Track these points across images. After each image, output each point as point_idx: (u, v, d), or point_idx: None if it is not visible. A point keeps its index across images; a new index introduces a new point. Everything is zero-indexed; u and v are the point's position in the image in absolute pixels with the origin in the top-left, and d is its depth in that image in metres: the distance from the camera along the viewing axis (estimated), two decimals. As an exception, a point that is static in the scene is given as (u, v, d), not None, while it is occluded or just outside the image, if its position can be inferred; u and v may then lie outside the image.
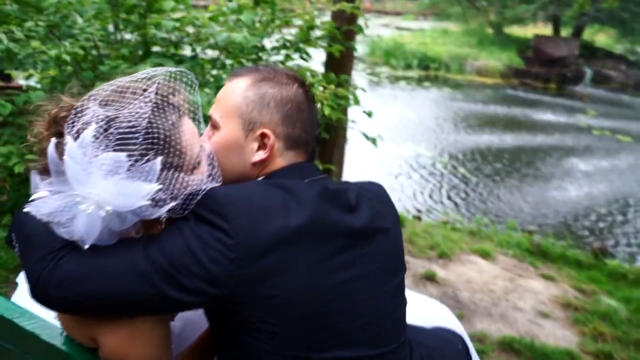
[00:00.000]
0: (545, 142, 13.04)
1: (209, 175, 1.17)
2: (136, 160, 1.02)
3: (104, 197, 0.99)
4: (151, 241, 1.09)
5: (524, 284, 4.56)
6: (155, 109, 1.08)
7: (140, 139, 1.03)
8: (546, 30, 27.80)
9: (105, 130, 1.03)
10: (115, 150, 1.02)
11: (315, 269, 1.13)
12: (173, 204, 1.07)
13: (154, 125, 1.06)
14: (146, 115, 1.05)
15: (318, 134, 1.36)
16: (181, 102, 1.15)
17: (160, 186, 1.03)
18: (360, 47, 26.31)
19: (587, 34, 27.01)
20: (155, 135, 1.06)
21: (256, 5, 4.17)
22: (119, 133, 1.03)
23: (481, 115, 15.75)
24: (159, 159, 1.04)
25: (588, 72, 21.09)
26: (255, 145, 1.27)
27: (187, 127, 1.15)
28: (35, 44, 3.07)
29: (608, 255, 5.89)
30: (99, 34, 3.90)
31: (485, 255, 5.25)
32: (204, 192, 1.14)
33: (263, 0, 4.20)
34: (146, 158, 1.04)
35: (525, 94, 20.23)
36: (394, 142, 11.72)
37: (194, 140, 1.15)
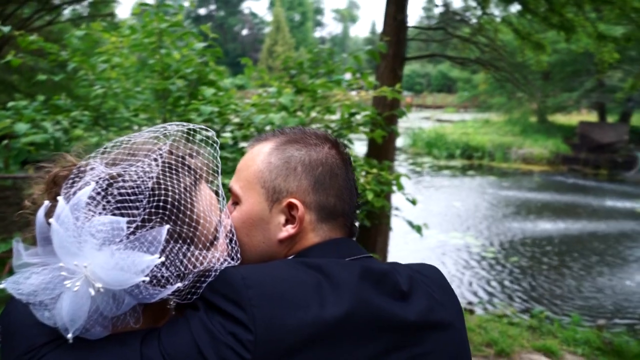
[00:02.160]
0: (604, 229, 12.29)
1: (227, 254, 0.98)
2: (137, 227, 0.86)
3: (94, 271, 0.82)
4: (150, 337, 0.89)
5: (601, 388, 3.96)
6: (167, 169, 0.93)
7: (144, 202, 0.87)
8: (590, 117, 27.53)
9: (105, 190, 0.88)
10: (114, 214, 0.86)
11: None
12: (179, 284, 0.88)
13: (163, 186, 0.89)
14: (154, 175, 0.90)
15: (358, 204, 1.15)
16: (199, 165, 1.00)
17: (163, 259, 0.85)
18: (402, 139, 26.64)
19: (635, 119, 26.53)
20: (163, 198, 0.89)
21: (297, 93, 4.20)
22: (120, 194, 0.87)
23: (531, 202, 15.19)
24: (166, 227, 0.87)
25: (640, 157, 20.38)
26: (282, 218, 1.06)
27: (204, 194, 0.98)
28: (78, 132, 3.12)
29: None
30: (144, 124, 3.99)
31: (550, 354, 4.69)
32: (217, 273, 0.94)
33: (304, 88, 4.23)
34: (150, 225, 0.87)
35: (576, 180, 19.59)
36: (440, 231, 11.30)
37: (211, 211, 0.98)
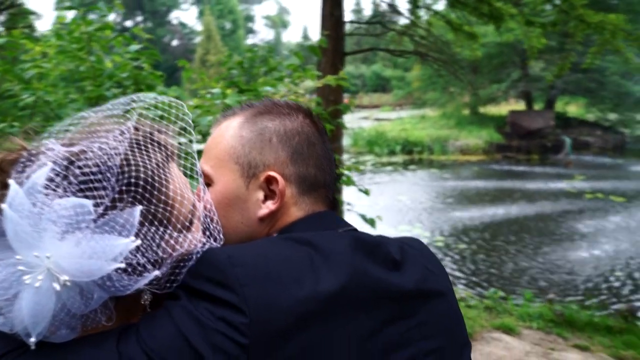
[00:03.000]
0: (540, 209, 12.89)
1: (207, 235, 0.89)
2: (106, 209, 0.76)
3: (58, 262, 0.71)
4: (127, 333, 0.79)
5: (561, 357, 4.11)
6: (135, 145, 0.83)
7: (112, 181, 0.76)
8: (519, 106, 28.93)
9: (65, 169, 0.77)
10: (77, 197, 0.75)
11: (361, 352, 0.81)
12: (156, 272, 0.79)
13: (133, 162, 0.79)
14: (121, 151, 0.80)
15: (338, 175, 1.09)
16: (169, 142, 0.89)
17: (139, 242, 0.76)
18: (344, 139, 26.88)
19: (559, 106, 28.14)
20: (134, 174, 0.79)
21: (240, 93, 4.10)
22: (83, 173, 0.76)
23: (472, 191, 15.72)
24: (138, 207, 0.77)
25: (567, 141, 21.60)
26: (261, 194, 0.98)
27: (176, 173, 0.89)
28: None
29: (637, 317, 5.47)
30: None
31: (509, 331, 4.82)
32: (198, 256, 0.84)
33: (247, 88, 4.13)
34: (120, 206, 0.77)
35: (510, 166, 20.47)
36: (389, 225, 11.45)
37: (185, 191, 0.89)
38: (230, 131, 1.02)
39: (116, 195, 0.77)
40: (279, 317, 0.76)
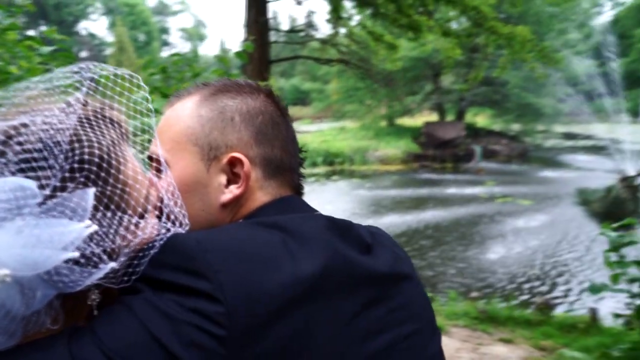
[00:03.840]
0: (456, 214, 13.50)
1: (172, 220, 0.80)
2: (54, 191, 0.65)
3: None
4: (79, 334, 0.69)
5: (489, 351, 4.28)
6: (86, 120, 0.73)
7: (60, 158, 0.67)
8: (433, 117, 30.36)
9: (3, 145, 0.66)
10: (17, 177, 0.64)
11: (342, 337, 0.76)
12: (113, 264, 0.69)
13: (84, 139, 0.70)
14: (69, 126, 0.69)
15: (302, 159, 1.03)
16: (123, 119, 0.80)
17: (95, 227, 0.66)
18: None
19: (469, 117, 29.93)
20: (87, 152, 0.69)
21: (164, 97, 3.92)
22: (25, 150, 0.66)
23: (393, 198, 16.18)
24: (92, 189, 0.68)
25: (477, 149, 22.96)
26: (223, 178, 0.90)
27: (130, 155, 0.80)
28: None
29: (552, 309, 5.85)
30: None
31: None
32: (161, 244, 0.75)
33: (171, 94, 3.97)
34: (71, 188, 0.67)
35: (427, 174, 21.34)
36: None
37: (142, 173, 0.79)
38: (187, 111, 0.93)
39: (66, 175, 0.67)
40: (260, 304, 0.69)
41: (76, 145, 0.69)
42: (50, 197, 0.65)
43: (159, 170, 0.91)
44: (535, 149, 27.57)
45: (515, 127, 28.93)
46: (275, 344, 0.69)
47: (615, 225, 3.95)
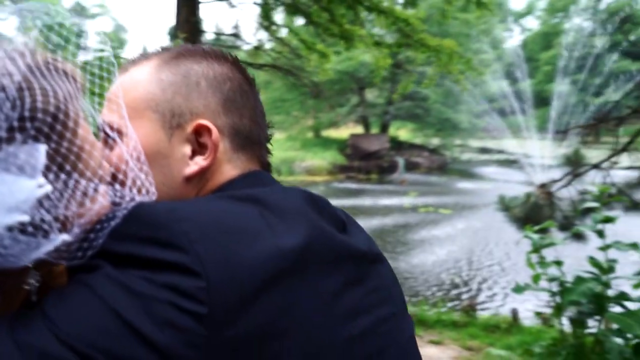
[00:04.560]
0: (381, 223, 13.81)
1: (137, 187, 0.70)
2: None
3: None
4: (23, 319, 0.57)
5: (422, 353, 4.34)
6: (37, 70, 0.62)
7: (7, 107, 0.56)
8: (358, 129, 31.07)
9: None
10: None
11: (325, 316, 0.69)
12: (65, 236, 0.59)
13: (36, 88, 0.59)
14: (17, 74, 0.58)
15: (270, 134, 0.95)
16: (78, 73, 0.69)
17: (49, 187, 0.55)
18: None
19: (392, 130, 30.94)
20: (40, 101, 0.59)
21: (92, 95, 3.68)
22: None
23: (320, 208, 16.27)
24: (43, 145, 0.58)
25: (401, 161, 23.74)
26: (188, 149, 0.81)
27: (84, 115, 0.69)
28: None
29: (477, 310, 6.08)
30: None
31: (371, 334, 4.99)
32: (124, 214, 0.65)
33: (99, 93, 3.73)
34: (19, 141, 0.56)
35: (353, 185, 21.74)
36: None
37: (94, 140, 0.69)
38: (145, 75, 0.82)
39: (14, 124, 0.56)
40: (243, 278, 0.61)
41: (26, 93, 0.59)
42: None
43: (113, 139, 0.81)
44: (453, 161, 28.95)
45: (435, 140, 30.28)
46: (258, 322, 0.61)
47: (536, 228, 4.17)
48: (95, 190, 0.65)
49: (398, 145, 27.74)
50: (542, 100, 32.85)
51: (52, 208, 0.58)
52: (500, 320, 5.54)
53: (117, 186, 0.71)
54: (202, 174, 0.81)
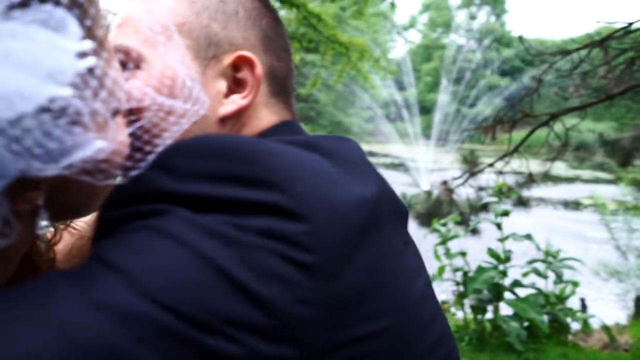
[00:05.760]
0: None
1: (191, 100, 0.55)
2: None
3: None
4: (92, 279, 0.42)
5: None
6: None
7: None
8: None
9: None
10: None
11: (403, 271, 0.61)
12: (103, 144, 0.42)
13: None
14: None
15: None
16: None
17: (92, 60, 0.38)
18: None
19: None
20: None
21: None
22: None
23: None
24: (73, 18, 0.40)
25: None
26: (223, 85, 0.67)
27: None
28: None
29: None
30: None
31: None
32: (187, 145, 0.52)
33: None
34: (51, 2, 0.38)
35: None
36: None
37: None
38: None
39: None
40: (344, 223, 0.51)
41: None
42: (21, 4, 0.37)
43: (133, 66, 0.65)
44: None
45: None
46: (360, 274, 0.51)
47: (442, 221, 4.38)
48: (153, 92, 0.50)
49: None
50: (423, 109, 35.21)
51: (90, 98, 0.42)
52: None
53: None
54: (238, 116, 0.68)
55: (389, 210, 0.62)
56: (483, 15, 45.74)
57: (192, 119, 0.59)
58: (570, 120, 4.81)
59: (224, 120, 0.67)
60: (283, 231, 0.46)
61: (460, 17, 45.30)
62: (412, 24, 51.34)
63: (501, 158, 4.96)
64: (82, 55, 0.37)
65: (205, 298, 0.42)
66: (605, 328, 4.47)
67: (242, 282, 0.43)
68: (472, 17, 45.08)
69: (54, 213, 0.50)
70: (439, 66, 38.38)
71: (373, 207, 0.56)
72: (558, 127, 4.55)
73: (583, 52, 4.17)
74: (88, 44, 0.40)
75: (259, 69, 0.68)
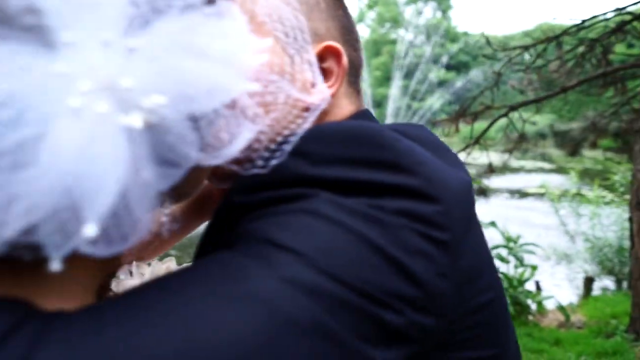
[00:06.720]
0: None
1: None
2: None
3: (154, 56, 0.31)
4: (275, 257, 0.45)
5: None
6: None
7: None
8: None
9: None
10: None
11: (488, 258, 0.65)
12: (258, 127, 0.45)
13: None
14: None
15: None
16: None
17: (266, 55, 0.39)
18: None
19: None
20: None
21: None
22: None
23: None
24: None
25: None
26: (309, 74, 0.69)
27: None
28: None
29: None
30: None
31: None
32: (318, 132, 0.56)
33: None
34: None
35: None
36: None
37: None
38: None
39: None
40: (463, 203, 0.55)
41: None
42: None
43: None
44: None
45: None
46: (473, 253, 0.56)
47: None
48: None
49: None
50: (374, 103, 35.72)
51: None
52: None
53: None
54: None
55: (473, 199, 0.68)
56: (429, 11, 46.79)
57: (316, 112, 0.61)
58: (525, 113, 5.05)
59: (308, 109, 0.69)
60: (420, 211, 0.50)
61: (408, 12, 46.15)
62: (360, 19, 51.82)
63: (464, 149, 5.15)
64: (261, 50, 0.40)
65: (371, 274, 0.45)
66: (561, 308, 4.75)
67: (396, 258, 0.47)
68: (419, 13, 46.02)
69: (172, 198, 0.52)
70: (388, 61, 38.95)
71: (472, 189, 0.61)
72: (514, 118, 4.77)
73: (539, 47, 4.39)
74: (268, 42, 0.42)
75: (345, 60, 0.70)
